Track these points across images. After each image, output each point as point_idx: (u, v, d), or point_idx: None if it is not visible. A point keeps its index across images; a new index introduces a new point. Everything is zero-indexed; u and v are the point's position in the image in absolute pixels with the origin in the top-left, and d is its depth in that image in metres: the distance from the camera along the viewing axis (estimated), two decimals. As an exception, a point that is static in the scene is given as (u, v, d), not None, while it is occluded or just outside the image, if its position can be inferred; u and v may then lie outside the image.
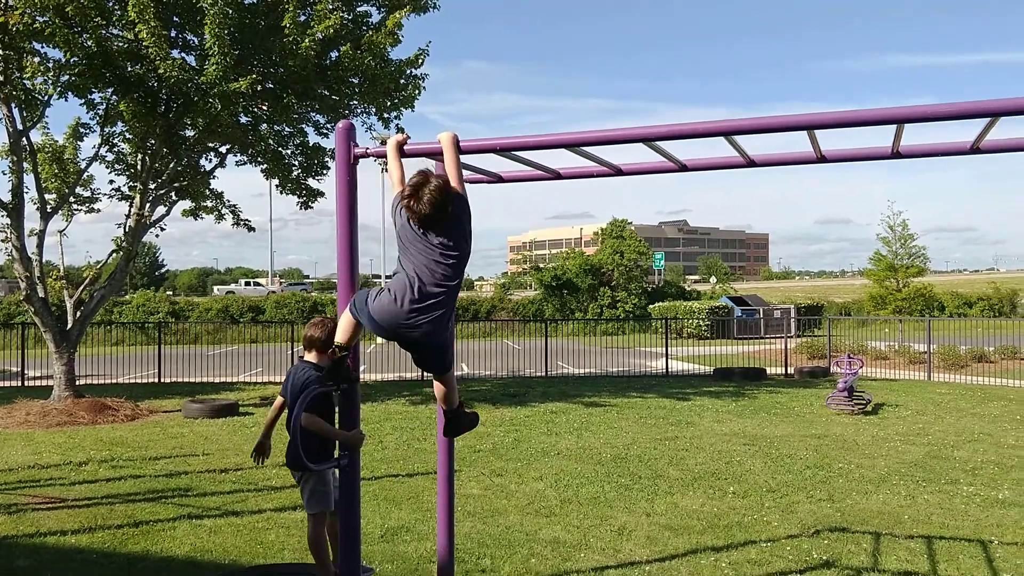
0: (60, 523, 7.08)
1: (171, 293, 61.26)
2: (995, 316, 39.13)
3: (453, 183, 4.28)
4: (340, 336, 4.18)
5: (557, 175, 5.25)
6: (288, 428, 4.73)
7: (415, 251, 4.09)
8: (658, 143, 4.41)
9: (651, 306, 40.42)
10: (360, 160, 4.43)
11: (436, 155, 4.46)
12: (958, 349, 21.26)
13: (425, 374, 19.26)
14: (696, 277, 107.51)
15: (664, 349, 21.66)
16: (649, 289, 46.23)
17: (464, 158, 4.92)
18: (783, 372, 20.44)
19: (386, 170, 4.62)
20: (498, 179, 5.39)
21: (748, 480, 8.79)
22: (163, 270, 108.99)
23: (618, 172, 5.16)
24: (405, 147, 4.41)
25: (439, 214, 4.03)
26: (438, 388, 4.46)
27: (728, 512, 7.51)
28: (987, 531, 6.85)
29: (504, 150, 4.39)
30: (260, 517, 7.27)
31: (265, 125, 14.89)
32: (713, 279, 69.94)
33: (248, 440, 11.15)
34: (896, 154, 4.51)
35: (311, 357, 4.89)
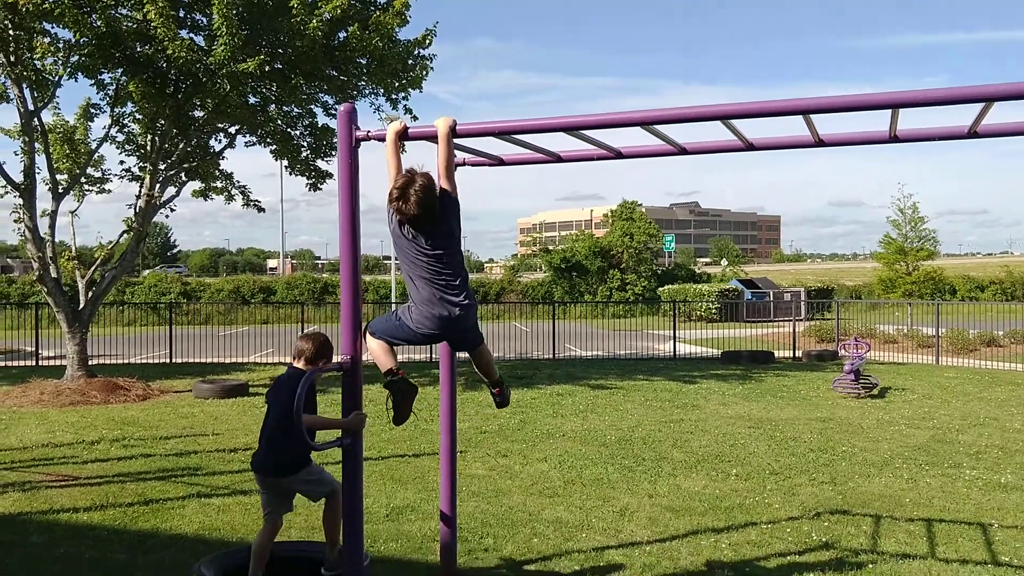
0: (73, 500, 7.21)
1: (179, 273, 61.35)
2: (1007, 300, 38.93)
3: (442, 175, 4.35)
4: (383, 364, 4.39)
5: (558, 158, 5.29)
6: (266, 433, 4.72)
7: (411, 259, 4.29)
8: (657, 127, 4.44)
9: (660, 289, 40.41)
10: (362, 144, 4.47)
11: (436, 138, 4.49)
12: (967, 333, 21.20)
13: (434, 355, 19.35)
14: (707, 259, 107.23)
15: (672, 332, 21.70)
16: (659, 272, 46.18)
17: (466, 141, 4.97)
18: (791, 355, 20.46)
19: (403, 150, 4.69)
20: (499, 162, 5.43)
21: (751, 463, 8.84)
22: (175, 250, 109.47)
23: (618, 155, 5.20)
24: (408, 132, 4.45)
25: (427, 214, 4.16)
26: (480, 363, 4.66)
27: (730, 494, 7.57)
28: (988, 514, 6.90)
29: (503, 134, 4.43)
30: (267, 496, 7.37)
31: (274, 106, 14.92)
32: (724, 261, 69.73)
33: (257, 420, 11.27)
34: (894, 138, 4.53)
35: (299, 365, 4.86)
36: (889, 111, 4.05)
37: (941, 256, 35.79)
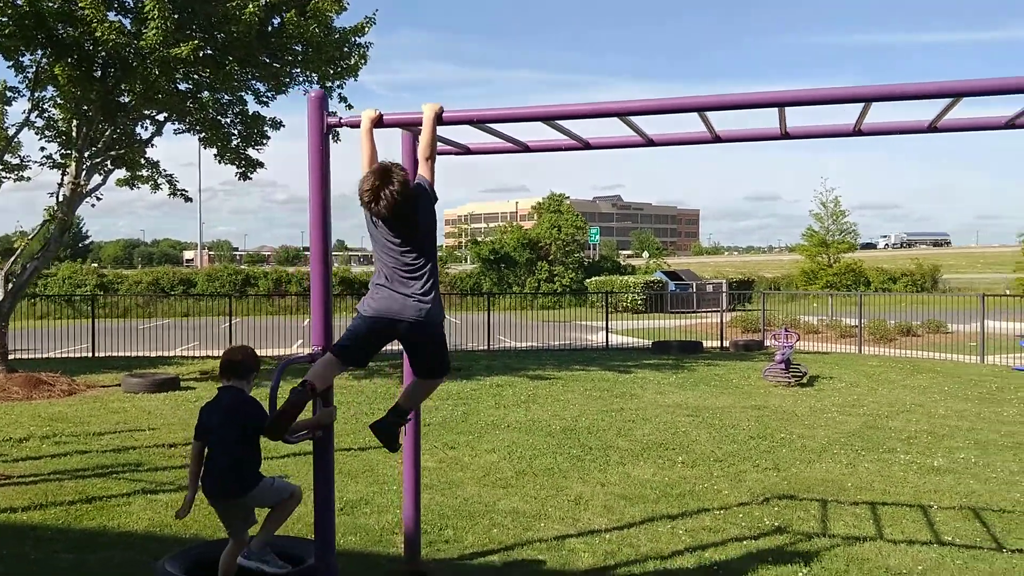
0: (8, 500, 6.90)
1: (96, 265, 59.41)
2: (918, 291, 40.48)
3: (422, 162, 4.29)
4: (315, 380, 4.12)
5: (526, 148, 5.28)
6: (215, 457, 4.46)
7: (379, 247, 4.21)
8: (630, 118, 4.48)
9: (588, 280, 40.77)
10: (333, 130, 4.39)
11: (414, 125, 4.44)
12: (887, 323, 21.99)
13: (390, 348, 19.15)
14: (629, 252, 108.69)
15: (603, 323, 21.92)
16: (586, 263, 46.59)
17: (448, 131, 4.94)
18: (719, 345, 20.89)
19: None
20: (466, 151, 5.40)
21: (695, 450, 9.01)
22: (87, 241, 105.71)
23: (586, 146, 5.22)
24: (384, 119, 4.38)
25: (399, 216, 4.09)
26: (417, 390, 4.55)
27: (679, 481, 7.70)
28: (926, 496, 7.17)
29: (481, 121, 4.40)
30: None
31: (207, 92, 14.51)
32: (646, 254, 70.85)
33: (192, 415, 10.98)
34: (858, 132, 4.66)
35: (232, 383, 4.63)
36: (858, 105, 4.17)
37: (859, 249, 37.00)
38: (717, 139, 4.90)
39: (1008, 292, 32.27)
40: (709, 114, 4.43)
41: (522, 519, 6.53)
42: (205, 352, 19.19)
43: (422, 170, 4.24)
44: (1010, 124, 4.41)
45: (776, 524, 6.40)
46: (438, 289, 4.25)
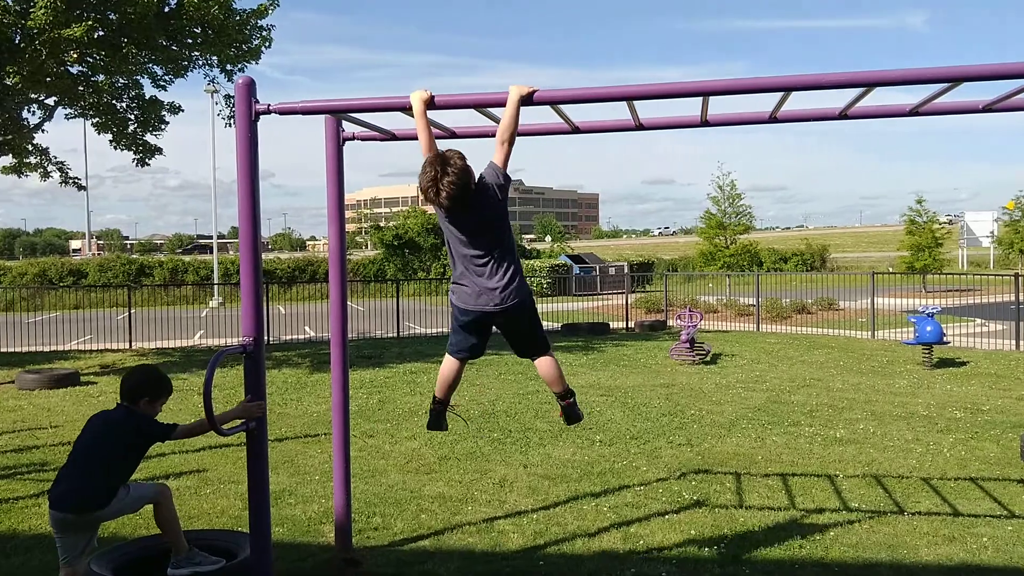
0: (-96, 506, 6.55)
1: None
2: (808, 270, 42.14)
3: (498, 149, 4.17)
4: (436, 388, 4.79)
5: (452, 134, 5.30)
6: (81, 465, 4.28)
7: (453, 243, 4.32)
8: (560, 106, 4.55)
9: (493, 265, 40.93)
10: (261, 116, 4.30)
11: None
12: (781, 302, 22.85)
13: (271, 338, 18.82)
14: (532, 236, 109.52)
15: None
16: (490, 248, 46.71)
17: (374, 117, 4.90)
18: (625, 326, 21.33)
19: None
20: (391, 137, 5.37)
21: (611, 429, 9.22)
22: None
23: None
24: (435, 100, 4.22)
25: (459, 205, 4.09)
26: (542, 371, 4.78)
27: (599, 460, 7.88)
28: (831, 467, 7.54)
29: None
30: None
31: (102, 76, 13.93)
32: (548, 238, 71.56)
33: (97, 410, 10.64)
34: (774, 119, 4.84)
35: (129, 404, 4.44)
36: (700, 98, 4.35)
37: (754, 230, 38.28)
38: (640, 127, 5.04)
39: (891, 269, 33.95)
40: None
41: (449, 503, 6.59)
42: (103, 345, 18.48)
43: (496, 155, 4.19)
44: (914, 112, 4.67)
45: (695, 498, 6.64)
46: (519, 274, 4.33)
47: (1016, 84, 4.22)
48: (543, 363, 4.61)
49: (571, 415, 4.74)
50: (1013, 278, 17.74)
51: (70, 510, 4.23)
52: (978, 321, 20.39)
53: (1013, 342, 15.93)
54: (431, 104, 4.21)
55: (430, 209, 45.72)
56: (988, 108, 4.63)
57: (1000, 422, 9.27)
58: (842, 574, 5.11)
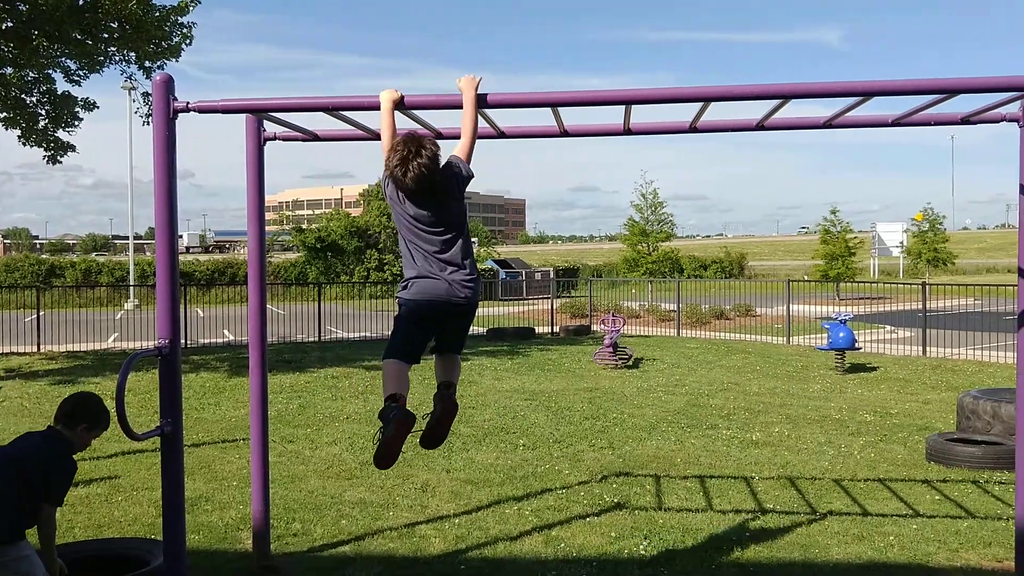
0: None
1: None
2: (726, 277, 43.14)
3: (465, 145, 4.05)
4: (386, 386, 4.07)
5: (376, 136, 5.24)
6: None
7: (410, 233, 4.02)
8: (486, 111, 4.55)
9: (418, 269, 40.72)
10: (179, 115, 4.20)
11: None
12: (701, 308, 23.31)
13: (189, 341, 18.35)
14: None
15: (437, 311, 21.98)
16: (415, 252, 46.44)
17: (288, 116, 4.83)
18: (550, 331, 21.46)
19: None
20: (314, 137, 5.31)
21: (535, 433, 9.26)
22: None
23: (437, 135, 5.25)
24: (405, 100, 4.11)
25: (427, 189, 3.91)
26: (450, 366, 4.38)
27: (522, 464, 7.90)
28: (747, 469, 7.72)
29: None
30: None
31: (11, 69, 13.41)
32: (475, 242, 71.73)
33: (17, 415, 10.29)
34: (694, 128, 4.94)
35: (61, 429, 4.09)
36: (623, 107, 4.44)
37: (676, 238, 39.02)
38: (565, 133, 5.08)
39: (806, 278, 34.95)
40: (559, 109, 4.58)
41: (370, 509, 6.52)
42: (9, 348, 17.76)
43: (459, 148, 4.07)
44: (828, 124, 4.82)
45: (616, 500, 6.71)
46: (476, 266, 4.15)
47: (922, 100, 4.40)
48: (455, 359, 4.39)
49: (453, 407, 4.38)
50: (920, 287, 18.46)
51: None
52: (888, 328, 21.14)
53: (920, 348, 16.56)
54: (400, 104, 4.12)
55: (354, 212, 44.83)
56: (897, 122, 4.82)
57: (907, 425, 9.63)
58: (758, 574, 5.23)
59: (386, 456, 3.88)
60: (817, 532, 5.94)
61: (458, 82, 4.07)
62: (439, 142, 4.12)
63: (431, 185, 3.92)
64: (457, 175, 4.03)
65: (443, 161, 4.03)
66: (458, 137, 4.16)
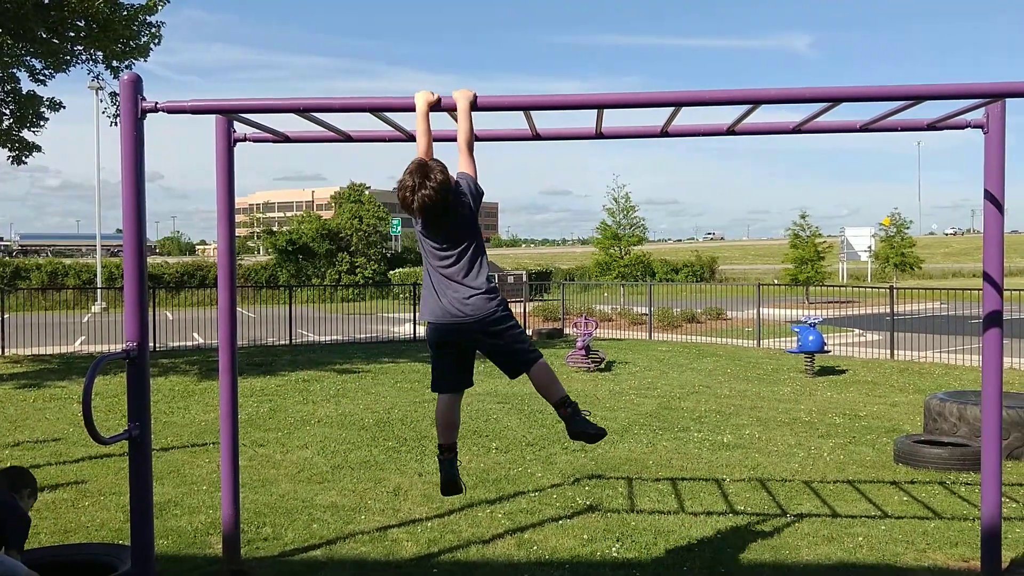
0: None
1: None
2: (698, 281, 43.42)
3: (463, 158, 4.13)
4: (437, 432, 4.42)
5: (348, 138, 5.24)
6: None
7: (423, 248, 4.21)
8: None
9: (392, 272, 40.63)
10: (148, 115, 4.15)
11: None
12: (672, 311, 23.44)
13: (158, 344, 18.17)
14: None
15: (410, 314, 21.97)
16: (388, 255, 46.36)
17: (259, 116, 4.80)
18: (522, 335, 21.44)
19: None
20: (285, 139, 5.28)
21: (507, 436, 9.26)
22: None
23: (408, 138, 5.24)
24: (442, 102, 4.12)
25: (433, 216, 4.02)
26: (537, 383, 4.23)
27: (495, 467, 7.90)
28: (719, 471, 7.77)
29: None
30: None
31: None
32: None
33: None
34: (665, 133, 4.97)
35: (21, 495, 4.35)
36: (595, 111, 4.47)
37: (647, 242, 39.25)
38: (537, 136, 5.09)
39: (776, 281, 35.26)
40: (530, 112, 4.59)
41: (342, 513, 6.49)
42: (-28, 352, 17.47)
43: (462, 164, 4.13)
44: (797, 129, 4.87)
45: (588, 503, 6.73)
46: (494, 283, 4.17)
47: (890, 106, 4.46)
48: (535, 374, 4.17)
49: (574, 426, 4.19)
50: (888, 291, 18.69)
51: None
52: (856, 331, 21.39)
53: (888, 351, 16.76)
54: (437, 106, 4.11)
55: (326, 215, 44.79)
56: (865, 128, 4.87)
57: (876, 427, 9.74)
58: (729, 575, 5.27)
59: (445, 490, 4.50)
60: (787, 533, 5.99)
61: (454, 93, 4.12)
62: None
63: (442, 210, 4.01)
64: (470, 194, 4.11)
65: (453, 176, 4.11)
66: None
